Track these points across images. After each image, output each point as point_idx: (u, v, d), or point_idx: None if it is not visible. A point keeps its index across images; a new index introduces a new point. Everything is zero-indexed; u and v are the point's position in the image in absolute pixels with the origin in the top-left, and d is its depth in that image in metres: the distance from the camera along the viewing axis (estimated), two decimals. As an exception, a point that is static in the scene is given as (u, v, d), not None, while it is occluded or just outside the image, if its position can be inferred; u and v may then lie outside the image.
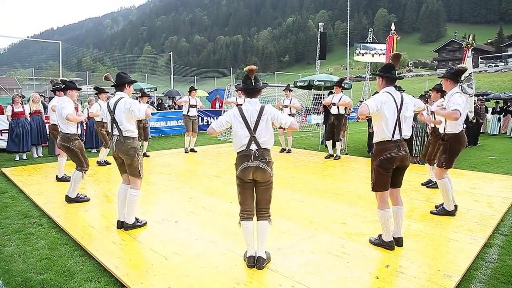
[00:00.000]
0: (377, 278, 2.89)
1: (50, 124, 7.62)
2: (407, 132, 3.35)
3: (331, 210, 4.63)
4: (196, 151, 9.53)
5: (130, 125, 3.84)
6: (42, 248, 3.50)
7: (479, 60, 58.53)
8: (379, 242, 3.45)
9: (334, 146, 8.56)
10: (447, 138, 4.39)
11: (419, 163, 7.77)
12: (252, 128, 3.01)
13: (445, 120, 4.42)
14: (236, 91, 10.07)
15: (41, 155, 8.89)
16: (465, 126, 4.50)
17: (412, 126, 7.85)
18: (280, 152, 9.52)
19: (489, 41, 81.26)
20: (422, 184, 5.90)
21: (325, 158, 8.59)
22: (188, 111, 9.38)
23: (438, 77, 5.00)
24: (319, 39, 29.00)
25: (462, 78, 9.09)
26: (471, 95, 9.44)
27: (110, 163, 7.56)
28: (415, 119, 7.43)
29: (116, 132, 3.85)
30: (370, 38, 40.03)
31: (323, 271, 2.98)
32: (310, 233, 3.84)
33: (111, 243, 3.59)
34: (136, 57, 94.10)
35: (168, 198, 5.24)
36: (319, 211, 4.61)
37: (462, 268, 3.02)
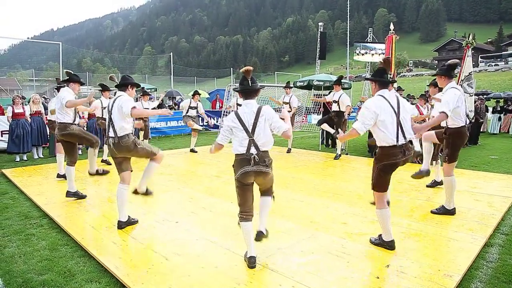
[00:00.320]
0: (378, 278, 2.89)
1: (48, 120, 7.63)
2: (410, 134, 3.29)
3: (331, 210, 4.63)
4: (196, 151, 9.53)
5: (124, 123, 3.86)
6: (42, 249, 3.51)
7: (479, 59, 58.50)
8: (380, 242, 3.45)
9: (334, 145, 8.59)
10: (449, 133, 4.38)
11: (419, 163, 7.76)
12: (250, 131, 2.99)
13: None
14: (233, 89, 10.14)
15: (41, 156, 8.89)
16: (468, 122, 4.48)
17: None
18: (287, 152, 9.48)
19: (489, 40, 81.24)
20: (427, 186, 5.84)
21: (333, 133, 8.35)
22: (188, 111, 9.45)
23: (432, 76, 5.03)
24: (319, 39, 28.96)
25: (463, 77, 9.13)
26: (471, 95, 9.43)
27: (110, 163, 7.55)
28: None
29: (111, 134, 3.87)
30: (370, 38, 40.02)
31: (323, 271, 2.98)
32: (310, 233, 3.84)
33: (112, 243, 3.59)
34: (136, 58, 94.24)
35: (169, 198, 5.25)
36: (319, 211, 4.61)
37: (462, 268, 3.02)
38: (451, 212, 4.35)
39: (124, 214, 3.97)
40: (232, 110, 10.24)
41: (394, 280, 2.85)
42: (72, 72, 5.32)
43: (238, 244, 3.49)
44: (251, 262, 3.05)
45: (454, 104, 4.05)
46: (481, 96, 14.87)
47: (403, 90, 10.04)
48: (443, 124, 4.56)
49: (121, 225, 3.94)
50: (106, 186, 6.06)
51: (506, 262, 3.20)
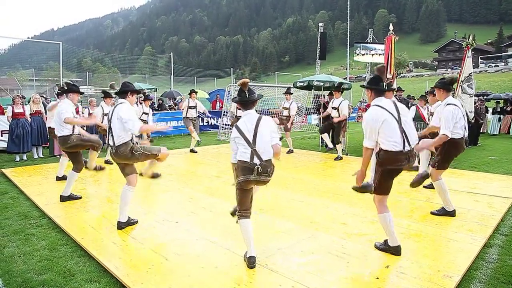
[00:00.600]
0: (377, 278, 2.89)
1: (48, 127, 7.66)
2: (414, 139, 3.24)
3: (331, 210, 4.63)
4: (196, 152, 9.53)
5: (122, 132, 3.85)
6: (42, 249, 3.51)
7: (479, 60, 58.55)
8: (385, 248, 3.37)
9: (334, 146, 8.59)
10: (446, 142, 4.34)
11: (416, 170, 7.74)
12: (251, 141, 3.07)
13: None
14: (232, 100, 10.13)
15: (41, 155, 8.89)
16: (467, 134, 4.46)
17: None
18: (287, 153, 9.48)
19: (489, 41, 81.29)
20: (425, 187, 5.87)
21: (326, 150, 8.55)
22: (187, 112, 9.43)
23: (431, 88, 5.06)
24: (319, 40, 28.96)
25: (463, 78, 9.13)
26: (471, 95, 9.44)
27: (112, 163, 7.53)
28: (417, 119, 7.43)
29: (111, 142, 3.88)
30: (370, 39, 40.07)
31: (323, 271, 2.99)
32: (310, 233, 3.84)
33: (111, 243, 3.59)
34: (137, 58, 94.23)
35: (169, 198, 5.25)
36: (319, 211, 4.61)
37: (462, 268, 3.02)
38: (451, 214, 4.35)
39: (125, 215, 3.98)
40: (231, 111, 10.28)
41: (394, 281, 2.85)
42: (71, 83, 5.35)
43: (238, 244, 3.49)
44: (250, 262, 3.05)
45: (453, 123, 4.12)
46: (481, 97, 14.87)
47: (403, 90, 10.05)
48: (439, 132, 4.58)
49: (120, 226, 3.95)
50: (106, 186, 6.06)
51: (506, 263, 3.21)
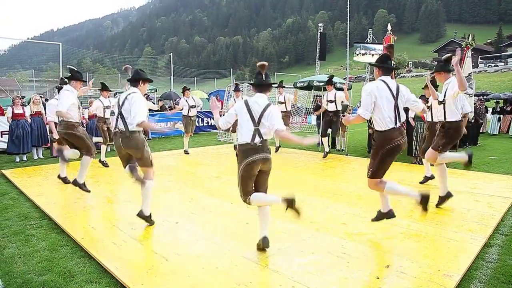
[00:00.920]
0: (378, 278, 2.89)
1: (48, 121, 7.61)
2: (403, 118, 3.48)
3: (331, 211, 4.64)
4: (188, 153, 9.45)
5: (136, 122, 3.80)
6: (42, 250, 3.51)
7: (479, 60, 58.49)
8: (378, 216, 3.67)
9: (334, 145, 8.64)
10: (448, 126, 4.51)
11: (419, 164, 7.77)
12: (256, 121, 3.16)
13: (444, 109, 4.53)
14: (234, 91, 10.11)
15: (41, 156, 8.90)
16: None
17: (412, 126, 7.91)
18: (275, 152, 9.51)
19: (488, 41, 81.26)
20: (421, 183, 5.95)
21: (323, 157, 8.63)
22: (189, 111, 9.36)
23: (430, 74, 5.10)
24: (318, 40, 28.96)
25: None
26: (471, 95, 9.45)
27: (108, 166, 7.55)
28: (417, 119, 7.44)
29: (121, 126, 3.82)
30: (370, 39, 40.03)
31: (324, 271, 2.99)
32: (310, 233, 3.85)
33: (111, 244, 3.59)
34: (136, 58, 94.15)
35: (169, 199, 5.25)
36: (319, 211, 4.61)
37: (462, 268, 3.02)
38: (448, 195, 4.55)
39: (148, 209, 3.98)
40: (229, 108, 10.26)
41: (394, 280, 2.85)
42: (75, 69, 5.28)
43: (238, 244, 3.50)
44: (265, 242, 3.28)
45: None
46: (480, 97, 14.88)
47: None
48: (439, 119, 4.64)
49: (141, 214, 3.94)
50: (106, 186, 6.06)
51: (506, 263, 3.21)
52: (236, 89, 10.01)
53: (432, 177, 5.86)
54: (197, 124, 12.53)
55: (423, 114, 7.22)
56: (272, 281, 2.86)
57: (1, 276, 3.02)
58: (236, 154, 3.26)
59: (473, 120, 10.28)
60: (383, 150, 3.39)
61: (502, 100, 17.02)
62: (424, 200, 3.46)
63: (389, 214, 3.69)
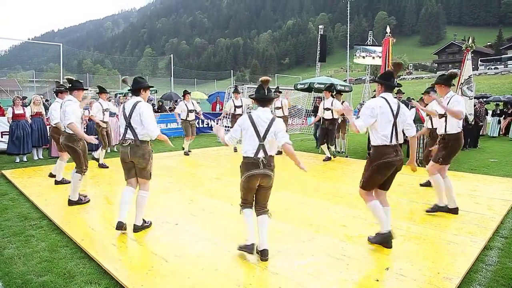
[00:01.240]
0: (377, 280, 2.89)
1: (51, 126, 7.57)
2: (401, 138, 3.47)
3: (331, 213, 4.64)
4: (188, 154, 9.46)
5: (146, 131, 3.84)
6: (42, 250, 3.51)
7: (479, 62, 58.58)
8: (377, 239, 3.51)
9: (329, 148, 8.63)
10: (447, 138, 4.55)
11: (419, 165, 7.76)
12: (262, 136, 3.18)
13: (445, 121, 4.56)
14: (233, 92, 10.13)
15: (41, 157, 8.90)
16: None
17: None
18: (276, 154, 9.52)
19: (488, 43, 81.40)
20: (421, 185, 5.96)
21: (324, 160, 8.64)
22: (188, 115, 9.37)
23: (431, 85, 5.17)
24: (319, 42, 29.05)
25: (462, 80, 9.14)
26: (471, 98, 9.45)
27: (108, 167, 7.55)
28: (417, 121, 7.46)
29: (130, 136, 3.82)
30: (370, 41, 40.13)
31: (323, 273, 2.99)
32: (310, 235, 3.85)
33: (111, 245, 3.59)
34: (137, 59, 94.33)
35: (169, 200, 5.25)
36: (319, 213, 4.61)
37: (462, 271, 3.02)
38: (444, 209, 4.48)
39: (140, 219, 3.97)
40: (230, 114, 10.28)
41: (394, 283, 2.85)
42: (74, 79, 5.21)
43: (238, 245, 3.49)
44: (249, 248, 3.22)
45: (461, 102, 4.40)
46: (480, 99, 14.89)
47: (403, 93, 10.06)
48: (440, 131, 4.66)
49: (137, 229, 3.93)
50: (105, 187, 6.06)
51: (506, 265, 3.21)
52: (236, 91, 10.02)
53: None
54: (197, 126, 12.51)
55: (422, 116, 7.24)
56: (272, 282, 2.86)
57: (1, 277, 3.02)
58: (240, 166, 3.28)
59: (473, 123, 10.27)
60: (373, 165, 3.40)
61: (502, 103, 17.04)
62: (385, 240, 3.45)
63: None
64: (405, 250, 3.45)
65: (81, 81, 5.36)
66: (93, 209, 4.80)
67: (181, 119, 9.48)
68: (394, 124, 3.37)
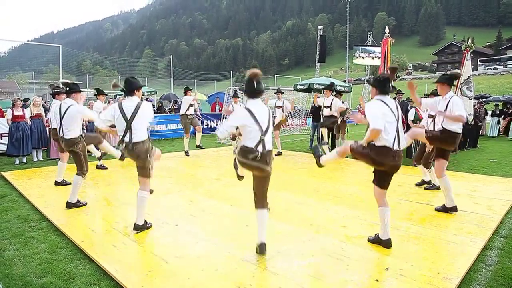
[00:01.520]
0: (377, 280, 2.89)
1: (50, 128, 7.57)
2: (404, 143, 3.42)
3: (331, 213, 4.64)
4: (203, 147, 9.48)
5: (143, 130, 3.89)
6: (42, 252, 3.51)
7: (478, 62, 58.65)
8: (377, 240, 3.54)
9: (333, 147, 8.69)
10: (445, 135, 4.50)
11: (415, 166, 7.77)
12: (264, 130, 3.19)
13: (443, 118, 4.53)
14: (232, 97, 10.14)
15: (41, 158, 8.89)
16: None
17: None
18: (275, 155, 9.57)
19: (488, 44, 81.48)
20: (417, 185, 5.98)
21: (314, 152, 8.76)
22: (187, 109, 9.26)
23: (433, 83, 5.18)
24: (318, 42, 29.10)
25: (462, 81, 9.16)
26: (470, 98, 9.46)
27: (106, 168, 7.55)
28: (417, 121, 7.46)
29: (127, 138, 3.82)
30: (369, 41, 40.16)
31: (323, 274, 2.99)
32: (310, 235, 3.85)
33: (111, 246, 3.59)
34: (136, 61, 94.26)
35: (169, 201, 5.25)
36: (319, 213, 4.61)
37: (461, 271, 3.02)
38: (453, 209, 4.50)
39: (142, 219, 3.97)
40: (229, 110, 10.27)
41: (394, 283, 2.85)
42: (70, 82, 5.19)
43: (238, 246, 3.50)
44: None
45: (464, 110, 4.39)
46: (480, 100, 14.91)
47: (403, 93, 10.06)
48: (437, 128, 4.65)
49: (137, 228, 3.93)
50: (105, 188, 6.06)
51: (505, 265, 3.21)
52: (235, 95, 10.03)
53: (429, 183, 5.88)
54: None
55: (422, 116, 7.25)
56: (272, 283, 2.87)
57: (0, 278, 3.02)
58: (238, 152, 3.27)
59: (472, 123, 10.28)
60: (370, 153, 3.38)
61: (501, 103, 17.04)
62: (382, 242, 3.48)
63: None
64: (405, 250, 3.45)
65: (79, 82, 5.36)
66: (93, 210, 4.80)
67: (180, 114, 9.42)
68: (397, 128, 3.32)
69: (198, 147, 9.55)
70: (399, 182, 6.17)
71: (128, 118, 3.79)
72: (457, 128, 4.45)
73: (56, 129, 5.39)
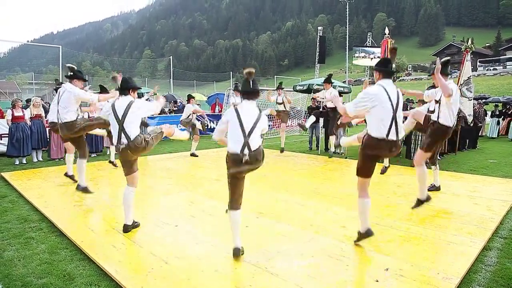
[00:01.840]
0: (377, 281, 2.90)
1: (48, 123, 7.56)
2: (401, 133, 3.36)
3: (330, 214, 4.64)
4: (197, 156, 9.49)
5: (137, 127, 3.88)
6: (42, 252, 3.51)
7: (478, 63, 58.67)
8: (359, 238, 3.54)
9: (330, 135, 8.74)
10: (436, 126, 4.54)
11: (413, 166, 7.77)
12: (247, 134, 3.15)
13: (438, 110, 4.55)
14: (234, 90, 10.19)
15: (41, 159, 8.89)
16: (455, 123, 4.66)
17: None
18: (280, 152, 9.60)
19: (487, 44, 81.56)
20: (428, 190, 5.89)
21: (329, 157, 8.88)
22: (188, 116, 9.36)
23: (428, 76, 5.17)
24: (318, 43, 29.11)
25: (462, 81, 9.16)
26: (470, 99, 9.47)
27: (117, 166, 7.46)
28: None
29: (125, 140, 3.77)
30: (369, 42, 40.20)
31: (323, 274, 2.99)
32: (310, 236, 3.85)
33: (111, 247, 3.59)
34: (136, 61, 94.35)
35: (169, 201, 5.25)
36: (318, 214, 4.61)
37: (461, 271, 3.03)
38: (427, 199, 4.48)
39: (130, 218, 3.95)
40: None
41: (393, 283, 2.85)
42: (76, 68, 5.26)
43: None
44: (235, 253, 3.23)
45: (456, 91, 4.33)
46: (479, 100, 14.93)
47: (403, 94, 10.08)
48: (433, 117, 4.66)
49: (127, 229, 3.91)
50: (105, 189, 6.06)
51: (505, 266, 3.21)
52: (236, 89, 10.08)
53: (439, 188, 5.71)
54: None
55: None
56: (272, 284, 2.87)
57: (0, 279, 3.02)
58: (226, 161, 3.23)
59: (472, 124, 10.29)
60: (364, 152, 3.37)
61: (501, 104, 17.05)
62: (366, 234, 3.49)
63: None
64: (405, 250, 3.45)
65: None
66: (93, 211, 4.81)
67: (180, 120, 9.51)
68: (394, 117, 3.23)
69: (192, 154, 9.51)
70: (399, 183, 6.18)
71: (120, 118, 3.77)
72: (449, 122, 4.47)
73: (54, 122, 5.32)
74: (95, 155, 9.56)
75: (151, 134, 4.03)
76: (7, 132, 8.56)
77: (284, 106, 9.65)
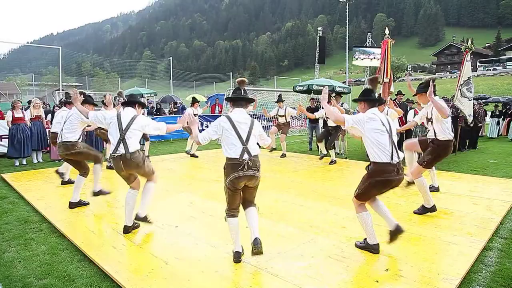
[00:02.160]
0: (377, 282, 2.90)
1: (50, 132, 7.58)
2: (401, 154, 3.39)
3: (330, 214, 4.64)
4: (197, 156, 9.50)
5: (138, 141, 3.92)
6: (42, 253, 3.51)
7: (478, 64, 58.73)
8: (364, 246, 3.49)
9: (329, 149, 8.66)
10: (437, 144, 4.60)
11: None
12: (244, 140, 3.17)
13: (433, 128, 4.64)
14: (225, 99, 10.19)
15: (41, 160, 8.90)
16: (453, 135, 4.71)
17: (411, 130, 7.98)
18: (280, 156, 9.57)
19: (487, 45, 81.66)
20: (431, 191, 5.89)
21: (320, 159, 8.82)
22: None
23: (413, 96, 5.21)
24: (318, 44, 29.11)
25: (462, 82, 9.16)
26: (470, 99, 9.47)
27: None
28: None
29: (122, 150, 3.79)
30: (369, 43, 40.17)
31: (323, 275, 2.99)
32: (310, 237, 3.85)
33: (111, 248, 3.59)
34: (136, 62, 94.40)
35: (168, 202, 5.25)
36: (319, 215, 4.61)
37: (461, 272, 3.03)
38: (432, 209, 4.50)
39: (131, 219, 3.96)
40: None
41: (393, 284, 2.85)
42: (86, 93, 5.33)
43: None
44: (236, 257, 3.22)
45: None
46: (479, 101, 14.92)
47: (403, 94, 10.09)
48: (430, 135, 4.70)
49: (127, 230, 3.92)
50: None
51: (505, 266, 3.21)
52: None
53: (438, 189, 5.72)
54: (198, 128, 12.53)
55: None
56: (272, 285, 2.87)
57: (1, 280, 3.02)
58: (224, 168, 3.22)
59: (472, 124, 10.29)
60: (371, 180, 3.31)
61: (501, 104, 17.05)
62: (373, 249, 3.41)
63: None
64: (405, 251, 3.45)
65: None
66: (93, 212, 4.81)
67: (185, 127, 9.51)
68: (391, 141, 3.26)
69: (193, 155, 9.50)
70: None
71: (123, 128, 3.80)
72: (448, 135, 4.54)
73: (56, 133, 5.42)
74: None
75: (148, 162, 4.06)
76: (7, 134, 8.56)
77: (285, 118, 9.66)
